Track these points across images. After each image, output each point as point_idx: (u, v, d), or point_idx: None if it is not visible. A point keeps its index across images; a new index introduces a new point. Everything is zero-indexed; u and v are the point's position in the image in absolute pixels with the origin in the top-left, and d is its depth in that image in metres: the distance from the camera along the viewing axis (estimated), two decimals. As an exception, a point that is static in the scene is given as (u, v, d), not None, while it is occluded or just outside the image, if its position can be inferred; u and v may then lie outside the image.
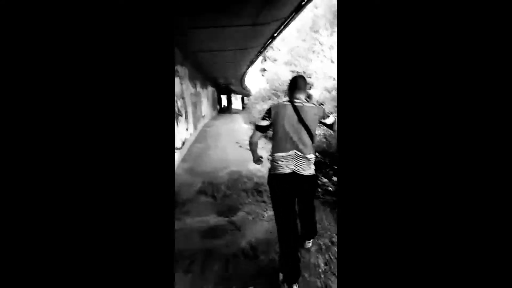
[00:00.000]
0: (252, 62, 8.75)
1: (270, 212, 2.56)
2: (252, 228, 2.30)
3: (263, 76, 15.02)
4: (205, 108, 10.60)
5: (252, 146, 1.65)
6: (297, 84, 1.52)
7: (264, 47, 5.96)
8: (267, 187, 2.87)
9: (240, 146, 5.78)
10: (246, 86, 19.52)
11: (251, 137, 1.61)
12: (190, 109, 6.08)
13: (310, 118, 1.47)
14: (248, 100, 19.93)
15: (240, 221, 2.43)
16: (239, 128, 9.25)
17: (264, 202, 2.80)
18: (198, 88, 8.67)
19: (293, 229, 1.50)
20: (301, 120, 1.44)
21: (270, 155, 1.75)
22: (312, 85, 10.52)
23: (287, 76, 11.34)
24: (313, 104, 1.53)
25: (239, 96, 30.75)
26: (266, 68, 14.59)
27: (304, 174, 1.47)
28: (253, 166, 4.12)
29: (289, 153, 1.45)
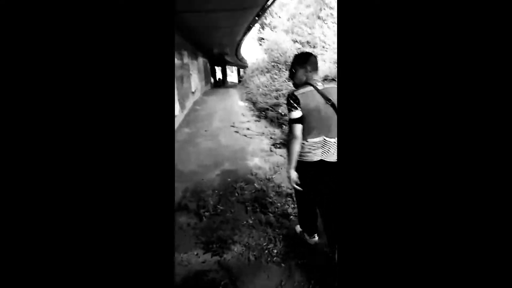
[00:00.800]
0: (248, 28, 7.60)
1: (280, 246, 1.73)
2: (252, 282, 1.47)
3: (261, 46, 13.58)
4: (195, 82, 9.48)
5: (295, 148, 1.35)
6: (310, 63, 1.39)
7: (263, 9, 4.93)
8: (273, 197, 2.30)
9: (236, 131, 4.85)
10: (243, 57, 18.07)
11: (291, 135, 1.35)
12: (175, 85, 5.02)
13: (334, 99, 1.34)
14: (245, 72, 18.60)
15: (234, 265, 1.60)
16: (234, 107, 8.10)
17: (270, 224, 1.96)
18: (186, 59, 7.54)
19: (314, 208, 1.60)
20: (331, 105, 1.33)
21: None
22: (316, 57, 9.34)
23: (288, 46, 10.08)
24: (327, 84, 1.40)
25: (235, 68, 29.08)
26: (264, 37, 13.13)
27: (333, 160, 1.41)
28: (253, 163, 3.24)
29: (318, 139, 1.37)
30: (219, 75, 23.77)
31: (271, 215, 2.08)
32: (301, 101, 1.31)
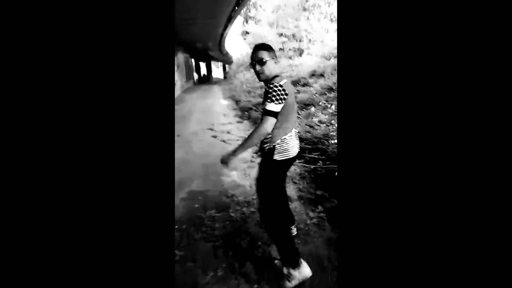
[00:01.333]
0: (229, 20, 6.95)
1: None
2: None
3: (245, 40, 12.91)
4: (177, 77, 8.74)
5: (254, 142, 1.21)
6: (275, 54, 1.30)
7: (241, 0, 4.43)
8: (253, 232, 1.84)
9: (214, 136, 4.23)
10: (227, 52, 17.34)
11: (262, 128, 1.17)
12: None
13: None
14: (230, 68, 17.88)
15: None
16: (215, 106, 7.45)
17: (246, 277, 1.40)
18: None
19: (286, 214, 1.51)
20: (295, 96, 1.35)
21: (269, 141, 1.28)
22: (302, 51, 8.91)
23: (272, 39, 9.50)
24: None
25: (221, 64, 28.21)
26: (248, 31, 12.46)
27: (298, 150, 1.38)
28: (229, 179, 2.66)
29: (292, 132, 1.30)
30: (204, 71, 22.90)
31: (248, 263, 1.52)
32: (288, 93, 1.20)
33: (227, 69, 22.25)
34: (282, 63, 8.11)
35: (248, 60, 10.31)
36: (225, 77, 20.84)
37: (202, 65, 22.42)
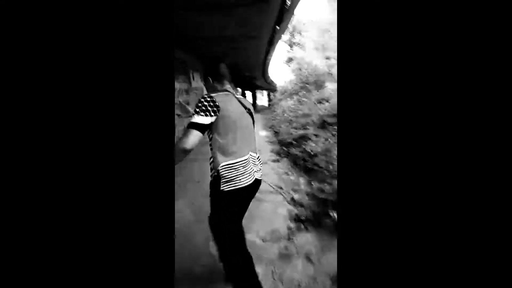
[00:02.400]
0: (271, 43, 6.38)
1: None
2: None
3: (290, 67, 12.37)
4: None
5: (183, 155, 1.01)
6: (221, 70, 1.20)
7: (279, 29, 3.91)
8: None
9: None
10: (272, 80, 17.08)
11: (180, 142, 0.99)
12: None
13: (250, 108, 1.22)
14: (274, 96, 17.50)
15: None
16: None
17: None
18: (199, 82, 6.54)
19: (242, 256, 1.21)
20: (250, 113, 1.20)
21: (212, 166, 1.12)
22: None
23: (318, 64, 8.64)
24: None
25: (266, 92, 28.38)
26: (292, 57, 11.93)
27: (260, 177, 1.20)
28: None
29: (246, 157, 1.11)
30: (250, 100, 23.11)
31: None
32: (221, 107, 1.04)
33: (271, 97, 22.03)
34: (329, 87, 7.15)
35: (291, 87, 9.58)
36: (269, 106, 20.54)
37: (248, 94, 22.68)
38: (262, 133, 7.12)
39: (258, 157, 1.22)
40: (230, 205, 1.10)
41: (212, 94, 1.05)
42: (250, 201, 1.19)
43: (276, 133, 6.01)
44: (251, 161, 1.13)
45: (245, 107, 1.16)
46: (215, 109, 1.02)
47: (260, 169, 1.22)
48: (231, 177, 1.05)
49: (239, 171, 1.07)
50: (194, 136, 0.99)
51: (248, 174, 1.09)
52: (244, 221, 1.26)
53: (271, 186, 3.06)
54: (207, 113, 1.01)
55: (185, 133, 0.99)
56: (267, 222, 2.19)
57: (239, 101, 1.15)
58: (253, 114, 1.22)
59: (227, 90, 1.16)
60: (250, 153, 1.14)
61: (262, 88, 23.57)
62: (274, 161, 4.16)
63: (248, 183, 1.09)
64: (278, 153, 4.52)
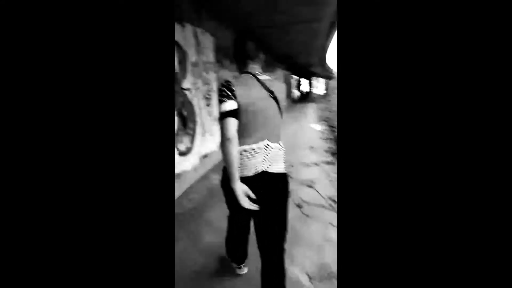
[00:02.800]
0: (330, 30, 5.65)
1: None
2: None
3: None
4: None
5: (229, 145, 0.95)
6: (247, 48, 1.08)
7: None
8: None
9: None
10: (329, 67, 15.82)
11: (224, 136, 0.96)
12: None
13: (279, 93, 1.08)
14: (329, 84, 16.23)
15: None
16: (304, 131, 5.91)
17: None
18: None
19: (245, 231, 1.34)
20: (274, 98, 1.05)
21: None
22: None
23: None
24: (270, 76, 1.10)
25: (323, 80, 26.76)
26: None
27: (279, 172, 1.08)
28: None
29: (259, 144, 1.03)
30: (306, 88, 22.05)
31: None
32: (237, 90, 0.98)
33: (328, 85, 20.60)
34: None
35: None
36: (324, 95, 19.23)
37: (303, 82, 21.65)
38: (315, 127, 6.41)
39: (280, 149, 1.11)
40: (229, 193, 1.04)
41: (230, 78, 1.01)
42: (262, 191, 1.05)
43: (332, 128, 5.36)
44: (263, 151, 1.04)
45: (269, 92, 1.05)
46: (229, 92, 0.97)
47: (274, 160, 1.08)
48: (240, 163, 1.02)
49: (249, 158, 1.02)
50: (229, 124, 0.95)
51: (251, 165, 1.03)
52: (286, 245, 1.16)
53: (320, 195, 2.59)
54: (229, 98, 0.97)
55: (221, 125, 0.98)
56: (316, 251, 1.77)
57: (263, 85, 1.05)
58: (279, 99, 1.08)
59: (249, 72, 1.07)
60: (267, 142, 1.05)
61: (319, 76, 22.19)
62: (327, 163, 3.61)
63: (248, 174, 1.03)
64: (334, 154, 3.94)
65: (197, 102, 3.12)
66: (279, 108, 1.08)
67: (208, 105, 3.44)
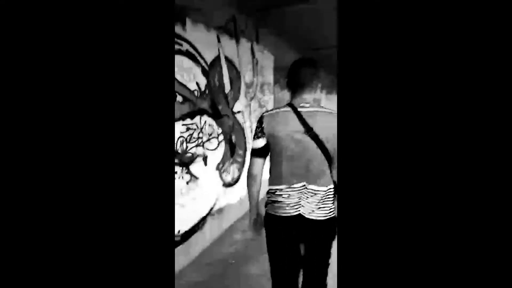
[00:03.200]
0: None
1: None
2: None
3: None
4: None
5: (251, 183, 1.03)
6: (300, 76, 1.00)
7: None
8: None
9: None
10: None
11: (249, 169, 1.03)
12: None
13: (324, 129, 0.94)
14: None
15: None
16: None
17: None
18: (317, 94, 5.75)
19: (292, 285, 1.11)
20: (311, 135, 0.93)
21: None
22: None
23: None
24: (330, 109, 0.99)
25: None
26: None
27: (318, 218, 0.98)
28: None
29: (295, 186, 0.98)
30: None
31: None
32: (265, 127, 0.97)
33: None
34: None
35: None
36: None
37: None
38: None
39: (327, 191, 0.99)
40: (271, 229, 1.03)
41: (266, 113, 1.01)
42: (297, 242, 1.03)
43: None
44: (297, 193, 0.98)
45: (308, 128, 0.93)
46: (259, 130, 0.98)
47: (324, 207, 0.99)
48: (272, 201, 1.01)
49: (277, 198, 1.00)
50: (254, 163, 1.00)
51: (286, 206, 0.98)
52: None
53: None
54: (258, 135, 0.99)
55: (250, 161, 1.02)
56: None
57: (300, 119, 0.94)
58: (322, 136, 0.94)
59: (291, 104, 0.99)
60: (305, 184, 0.97)
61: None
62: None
63: (283, 214, 0.98)
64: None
65: (250, 125, 2.79)
66: (322, 146, 0.94)
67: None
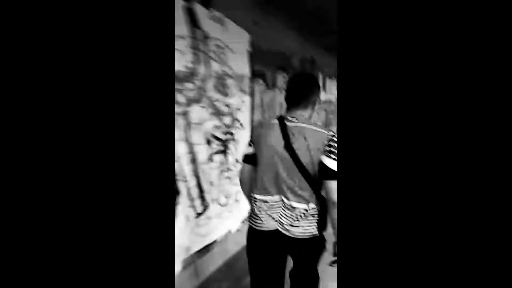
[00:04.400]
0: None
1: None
2: None
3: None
4: None
5: (241, 187, 1.13)
6: (296, 93, 1.00)
7: None
8: None
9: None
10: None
11: (240, 174, 1.11)
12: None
13: (305, 146, 0.92)
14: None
15: None
16: None
17: None
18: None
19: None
20: (289, 149, 0.93)
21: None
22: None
23: None
24: (318, 127, 0.95)
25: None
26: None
27: (295, 235, 0.96)
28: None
29: (274, 198, 0.98)
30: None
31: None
32: (254, 134, 1.04)
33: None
34: None
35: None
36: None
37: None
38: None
39: (305, 209, 0.95)
40: (251, 243, 1.05)
41: (257, 123, 1.05)
42: (277, 257, 1.03)
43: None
44: (275, 208, 0.97)
45: (288, 144, 0.92)
46: (251, 138, 1.04)
47: (293, 220, 0.95)
48: (251, 212, 1.03)
49: (255, 209, 1.01)
50: (242, 168, 1.07)
51: (260, 218, 0.99)
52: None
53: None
54: (249, 143, 1.04)
55: (241, 166, 1.08)
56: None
57: (284, 134, 0.94)
58: (301, 153, 0.92)
59: (280, 119, 0.99)
60: (283, 198, 0.96)
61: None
62: None
63: (260, 227, 0.99)
64: None
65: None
66: (300, 163, 0.91)
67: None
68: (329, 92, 4.22)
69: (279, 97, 2.66)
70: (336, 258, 0.96)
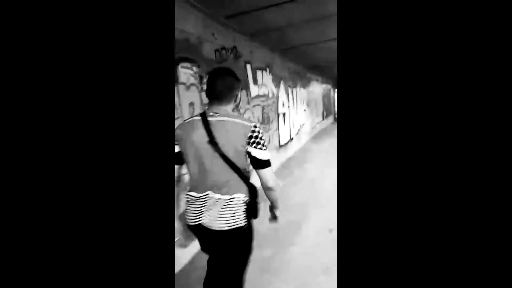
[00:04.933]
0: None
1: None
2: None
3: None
4: (303, 117, 6.49)
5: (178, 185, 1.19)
6: (216, 87, 0.99)
7: None
8: None
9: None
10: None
11: None
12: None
13: (229, 139, 0.95)
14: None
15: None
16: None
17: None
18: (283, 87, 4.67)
19: None
20: (213, 143, 0.94)
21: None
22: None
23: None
24: (239, 119, 0.98)
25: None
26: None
27: (219, 228, 0.98)
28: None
29: (200, 194, 1.01)
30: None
31: None
32: (176, 137, 1.01)
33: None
34: None
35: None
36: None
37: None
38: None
39: (230, 200, 0.98)
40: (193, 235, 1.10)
41: (182, 122, 1.05)
42: (210, 250, 1.08)
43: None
44: (206, 201, 1.00)
45: (211, 138, 0.94)
46: (176, 138, 1.01)
47: (226, 217, 0.97)
48: (186, 208, 1.05)
49: (187, 205, 1.04)
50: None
51: (191, 214, 1.02)
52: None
53: None
54: (176, 142, 1.03)
55: None
56: None
57: (206, 128, 0.95)
58: (222, 144, 0.94)
59: (202, 114, 1.00)
60: (209, 192, 0.99)
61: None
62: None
63: (190, 223, 1.03)
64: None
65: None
66: (224, 155, 0.94)
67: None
68: (263, 86, 3.77)
69: (190, 96, 2.03)
70: (275, 218, 1.12)
